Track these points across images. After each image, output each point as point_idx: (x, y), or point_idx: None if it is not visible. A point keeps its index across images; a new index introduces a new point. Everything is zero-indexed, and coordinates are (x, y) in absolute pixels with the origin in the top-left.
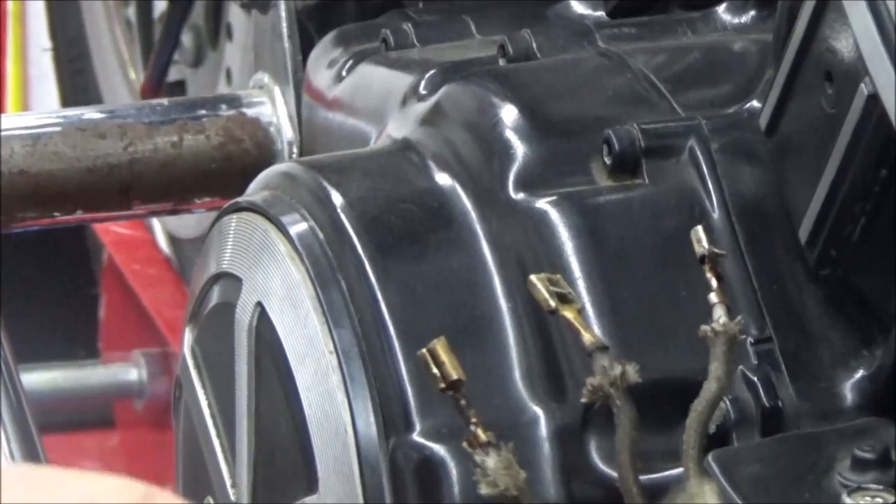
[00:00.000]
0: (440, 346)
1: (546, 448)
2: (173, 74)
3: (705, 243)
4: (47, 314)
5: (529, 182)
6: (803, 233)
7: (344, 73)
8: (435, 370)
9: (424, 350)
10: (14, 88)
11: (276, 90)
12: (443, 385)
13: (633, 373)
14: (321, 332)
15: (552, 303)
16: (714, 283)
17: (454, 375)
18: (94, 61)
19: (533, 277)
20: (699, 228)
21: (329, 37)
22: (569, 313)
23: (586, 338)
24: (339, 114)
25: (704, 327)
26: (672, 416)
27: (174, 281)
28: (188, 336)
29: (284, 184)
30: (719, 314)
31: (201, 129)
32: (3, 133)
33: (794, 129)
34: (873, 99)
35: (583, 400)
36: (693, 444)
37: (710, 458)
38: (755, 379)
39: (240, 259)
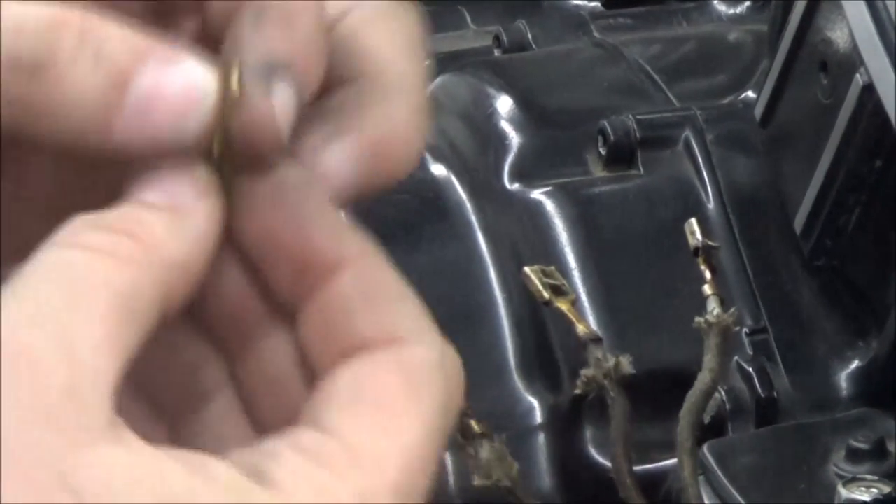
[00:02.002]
0: None
1: (541, 438)
2: None
3: (699, 235)
4: None
5: (525, 172)
6: (798, 223)
7: None
8: None
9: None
10: None
11: None
12: None
13: (626, 364)
14: None
15: (546, 294)
16: (708, 275)
17: None
18: None
19: (527, 269)
20: (693, 221)
21: None
22: (562, 305)
23: (580, 329)
24: None
25: (698, 319)
26: (667, 406)
27: None
28: None
29: None
30: (713, 306)
31: None
32: None
33: (789, 119)
34: (868, 89)
35: (576, 391)
36: (687, 436)
37: (704, 448)
38: (750, 369)
39: None
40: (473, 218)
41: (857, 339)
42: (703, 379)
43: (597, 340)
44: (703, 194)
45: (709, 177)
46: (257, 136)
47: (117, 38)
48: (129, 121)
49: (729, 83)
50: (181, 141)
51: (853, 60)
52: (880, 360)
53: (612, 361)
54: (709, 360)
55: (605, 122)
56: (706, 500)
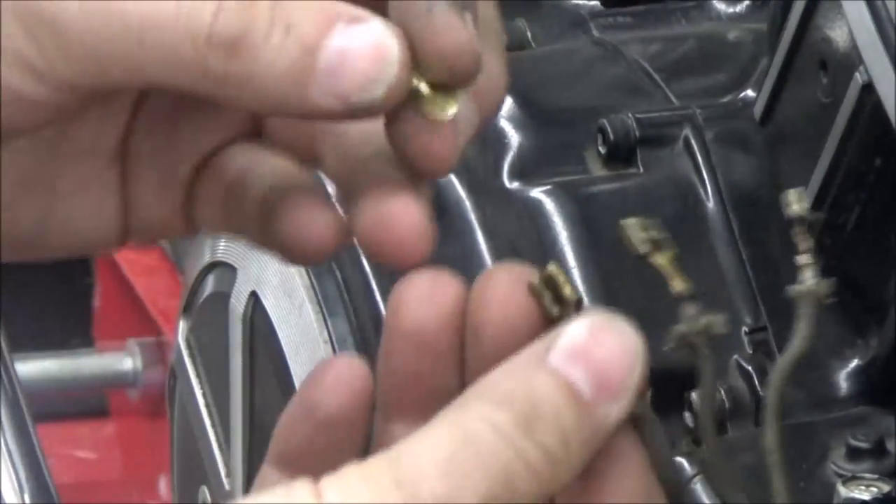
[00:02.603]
0: (555, 271)
1: None
2: None
3: (802, 205)
4: (42, 303)
5: (524, 171)
6: None
7: None
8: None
9: (539, 279)
10: None
11: None
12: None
13: (720, 324)
14: (316, 321)
15: (645, 248)
16: (804, 245)
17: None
18: None
19: (626, 221)
20: (793, 191)
21: None
22: (660, 259)
23: (675, 285)
24: None
25: (793, 287)
26: (667, 405)
27: (169, 270)
28: (183, 325)
29: None
30: (808, 274)
31: None
32: None
33: (789, 118)
34: (868, 88)
35: (667, 347)
36: (774, 402)
37: (703, 447)
38: (750, 368)
39: (234, 248)
40: (472, 216)
41: (856, 338)
42: (793, 347)
43: (691, 297)
44: (702, 193)
45: (708, 175)
46: (459, 66)
47: (305, 6)
48: (322, 85)
49: (728, 82)
50: (373, 98)
51: (852, 59)
52: (880, 359)
53: (705, 320)
54: (801, 328)
55: (605, 121)
56: (705, 500)
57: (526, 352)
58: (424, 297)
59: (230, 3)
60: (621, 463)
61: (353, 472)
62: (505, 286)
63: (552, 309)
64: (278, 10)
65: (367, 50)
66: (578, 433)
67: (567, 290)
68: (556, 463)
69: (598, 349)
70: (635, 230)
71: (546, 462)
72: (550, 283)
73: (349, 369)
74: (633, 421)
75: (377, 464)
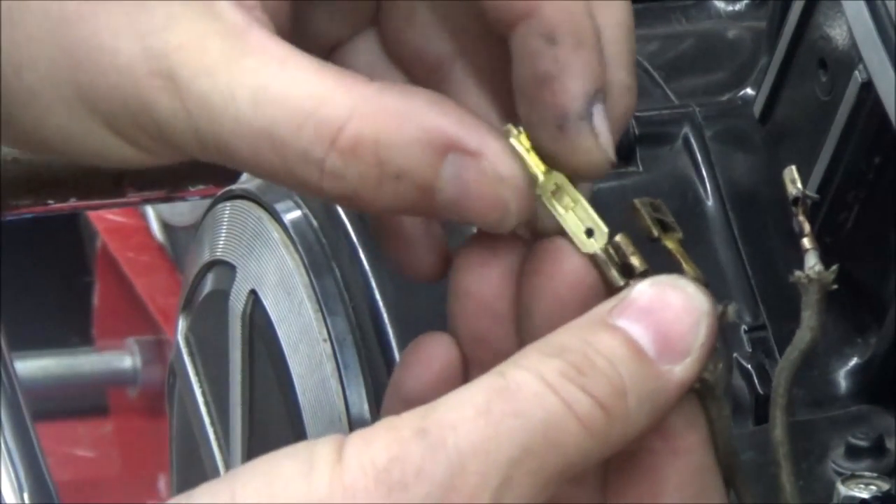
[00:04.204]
0: (623, 241)
1: None
2: None
3: (799, 184)
4: (41, 301)
5: None
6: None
7: None
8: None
9: (604, 250)
10: None
11: None
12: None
13: (732, 313)
14: (315, 319)
15: (655, 231)
16: (807, 227)
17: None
18: None
19: (636, 202)
20: (793, 168)
21: None
22: (670, 243)
23: (686, 270)
24: None
25: (798, 273)
26: None
27: (168, 268)
28: (182, 323)
29: None
30: (813, 261)
31: None
32: None
33: (788, 116)
34: (867, 86)
35: None
36: (782, 393)
37: None
38: (749, 367)
39: (233, 246)
40: None
41: (855, 336)
42: (802, 337)
43: (705, 285)
44: (701, 191)
45: (707, 174)
46: (591, 176)
47: (412, 149)
48: (446, 210)
49: (728, 80)
50: (502, 230)
51: (852, 57)
52: (879, 357)
53: (717, 308)
54: (808, 317)
55: None
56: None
57: (589, 313)
58: (485, 259)
59: (334, 162)
60: (677, 441)
61: (383, 424)
62: (559, 259)
63: (618, 280)
64: (384, 155)
65: (487, 197)
66: (637, 388)
67: (635, 260)
68: (612, 416)
69: (661, 307)
70: (645, 212)
71: (598, 414)
72: (617, 254)
73: (432, 348)
74: (700, 392)
75: (409, 415)
